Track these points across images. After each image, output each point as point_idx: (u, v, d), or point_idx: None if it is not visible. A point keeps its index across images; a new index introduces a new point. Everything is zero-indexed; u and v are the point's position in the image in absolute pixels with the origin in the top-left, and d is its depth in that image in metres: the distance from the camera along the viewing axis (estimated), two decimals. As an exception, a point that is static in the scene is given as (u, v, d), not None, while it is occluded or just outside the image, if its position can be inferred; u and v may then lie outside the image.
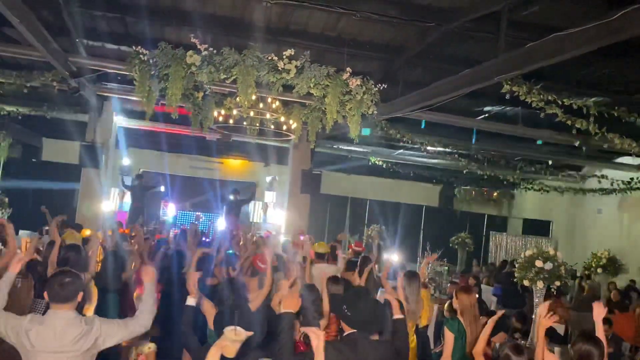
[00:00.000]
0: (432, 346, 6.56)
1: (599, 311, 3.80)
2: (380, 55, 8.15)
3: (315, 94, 6.79)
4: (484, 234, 16.61)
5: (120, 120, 11.85)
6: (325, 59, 7.46)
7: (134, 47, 6.55)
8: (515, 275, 6.37)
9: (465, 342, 4.44)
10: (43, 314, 3.15)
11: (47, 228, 8.11)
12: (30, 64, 8.25)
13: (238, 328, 2.74)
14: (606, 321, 5.54)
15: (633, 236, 13.05)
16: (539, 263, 6.01)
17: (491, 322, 4.11)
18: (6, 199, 11.16)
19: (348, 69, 6.73)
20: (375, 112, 7.07)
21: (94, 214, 10.76)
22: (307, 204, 12.09)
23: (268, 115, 8.42)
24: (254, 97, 6.71)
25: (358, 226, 15.80)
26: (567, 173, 13.92)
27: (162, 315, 5.10)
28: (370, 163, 14.31)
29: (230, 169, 15.44)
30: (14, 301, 3.21)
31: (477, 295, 5.33)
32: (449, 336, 4.45)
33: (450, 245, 14.47)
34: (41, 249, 6.08)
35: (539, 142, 8.89)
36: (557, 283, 6.07)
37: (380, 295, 5.87)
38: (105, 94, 10.00)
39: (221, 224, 12.07)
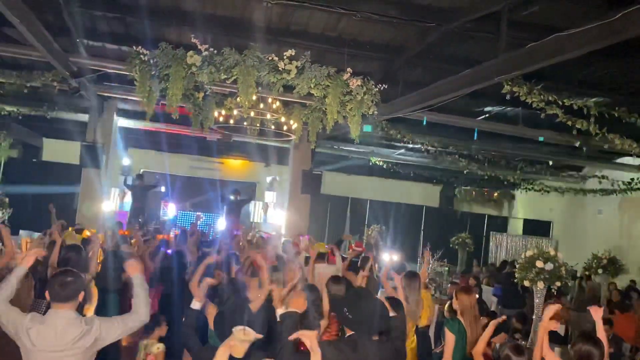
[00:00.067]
0: (433, 346, 6.55)
1: (597, 313, 3.81)
2: (380, 56, 8.14)
3: (315, 95, 6.79)
4: (484, 234, 16.57)
5: (120, 120, 11.85)
6: (326, 59, 7.45)
7: (134, 47, 6.56)
8: (516, 275, 6.38)
9: (465, 343, 4.43)
10: (44, 314, 3.16)
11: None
12: (30, 64, 8.23)
13: (247, 328, 2.72)
14: (607, 321, 5.55)
15: (633, 236, 13.04)
16: (539, 263, 6.02)
17: (492, 325, 4.11)
18: (6, 199, 11.14)
19: (348, 69, 6.74)
20: (376, 112, 7.06)
21: (94, 214, 10.74)
22: (308, 204, 12.08)
23: (268, 116, 8.41)
24: (254, 98, 6.71)
25: (358, 226, 15.76)
26: (567, 173, 13.92)
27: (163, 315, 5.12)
28: (370, 163, 14.30)
29: (230, 169, 15.43)
30: (14, 301, 3.21)
31: (477, 296, 5.34)
32: (449, 337, 4.45)
33: (451, 245, 14.41)
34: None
35: (541, 138, 8.95)
36: (558, 283, 6.08)
37: (380, 296, 5.86)
38: (106, 94, 10.01)
39: (221, 224, 12.08)
